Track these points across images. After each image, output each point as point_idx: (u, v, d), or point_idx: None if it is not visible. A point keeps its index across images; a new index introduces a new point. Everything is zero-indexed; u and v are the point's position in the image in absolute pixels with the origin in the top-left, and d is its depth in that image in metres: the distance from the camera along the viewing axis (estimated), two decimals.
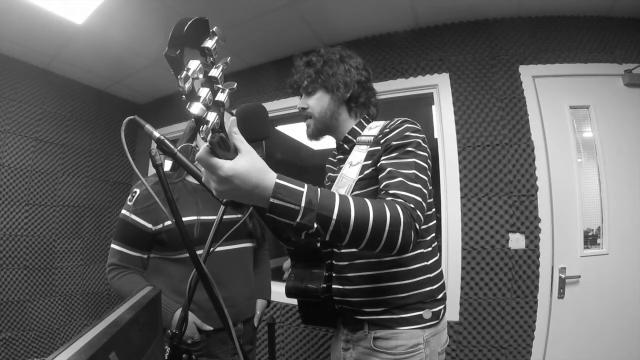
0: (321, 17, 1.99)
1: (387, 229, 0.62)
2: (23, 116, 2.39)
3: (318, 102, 0.98)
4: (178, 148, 0.74)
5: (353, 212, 0.60)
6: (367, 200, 0.64)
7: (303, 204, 0.56)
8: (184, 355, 0.78)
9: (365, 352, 0.89)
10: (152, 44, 2.19)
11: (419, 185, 0.74)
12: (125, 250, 1.07)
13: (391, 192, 0.73)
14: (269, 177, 0.54)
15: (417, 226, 0.69)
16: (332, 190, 0.96)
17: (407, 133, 0.83)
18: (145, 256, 1.11)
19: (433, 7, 1.90)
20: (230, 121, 0.52)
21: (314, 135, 1.04)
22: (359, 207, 0.61)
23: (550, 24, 1.89)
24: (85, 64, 2.49)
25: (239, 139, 0.52)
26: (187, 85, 0.40)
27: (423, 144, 0.83)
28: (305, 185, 0.58)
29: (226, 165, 0.50)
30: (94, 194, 2.78)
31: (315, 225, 0.57)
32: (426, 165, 0.81)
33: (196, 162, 0.54)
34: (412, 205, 0.69)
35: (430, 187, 0.83)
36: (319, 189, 0.59)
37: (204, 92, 0.42)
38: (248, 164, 0.52)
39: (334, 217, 0.59)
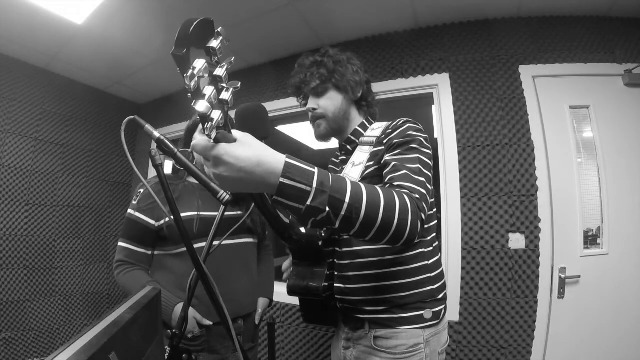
0: (321, 17, 1.99)
1: (397, 216, 0.60)
2: (23, 116, 2.39)
3: (331, 102, 0.97)
4: (179, 150, 0.74)
5: (365, 197, 0.57)
6: (377, 187, 0.62)
7: (315, 185, 0.52)
8: (184, 355, 0.78)
9: (366, 351, 0.89)
10: (152, 44, 2.19)
11: (423, 179, 0.74)
12: (131, 247, 1.11)
13: (396, 183, 0.73)
14: (274, 156, 0.51)
15: (423, 216, 0.67)
16: None
17: (410, 132, 0.84)
18: (150, 253, 1.14)
19: (433, 7, 1.90)
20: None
21: (327, 135, 1.01)
22: (370, 192, 0.59)
23: (550, 24, 1.89)
24: (85, 64, 2.49)
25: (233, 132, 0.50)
26: (192, 84, 0.41)
27: (426, 143, 0.84)
28: (316, 167, 0.55)
29: (220, 145, 0.47)
30: (94, 194, 2.78)
31: (327, 209, 0.54)
32: (429, 163, 0.81)
33: (195, 162, 0.54)
34: (417, 196, 0.68)
35: (432, 187, 0.83)
36: (329, 172, 0.57)
37: (209, 90, 0.43)
38: (242, 142, 0.49)
39: (347, 200, 0.55)
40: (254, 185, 0.51)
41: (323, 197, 0.53)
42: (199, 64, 0.41)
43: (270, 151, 0.52)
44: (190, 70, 0.40)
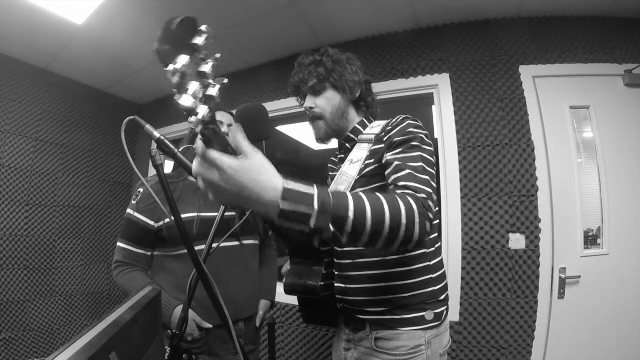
0: (321, 17, 1.99)
1: (404, 221, 0.59)
2: (23, 116, 2.39)
3: (328, 101, 0.96)
4: (181, 149, 0.74)
5: (369, 209, 0.57)
6: (379, 195, 0.61)
7: (316, 207, 0.52)
8: (184, 355, 0.78)
9: (367, 352, 0.89)
10: (152, 44, 2.18)
11: (427, 177, 0.74)
12: (129, 248, 1.10)
13: (400, 184, 0.72)
14: (278, 182, 0.50)
15: (430, 215, 0.66)
16: (330, 187, 0.97)
17: (410, 129, 0.83)
18: (149, 253, 1.13)
19: (433, 7, 1.90)
20: (233, 128, 0.50)
21: (327, 136, 1.00)
22: (373, 202, 0.58)
23: (550, 24, 1.89)
24: (85, 64, 2.49)
25: (241, 141, 0.49)
26: (175, 79, 0.41)
27: (426, 140, 0.83)
28: (315, 187, 0.54)
29: (234, 161, 0.46)
30: (94, 194, 2.78)
31: (332, 229, 0.53)
32: (432, 160, 0.80)
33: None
34: (423, 195, 0.67)
35: (435, 184, 0.82)
36: (329, 190, 0.56)
37: (193, 85, 0.43)
38: (258, 162, 0.49)
39: (350, 215, 0.55)
40: (255, 207, 0.50)
41: (325, 217, 0.53)
42: (182, 59, 0.42)
43: (278, 177, 0.50)
44: (172, 65, 0.41)
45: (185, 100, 0.42)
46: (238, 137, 0.49)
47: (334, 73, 0.94)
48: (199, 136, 0.47)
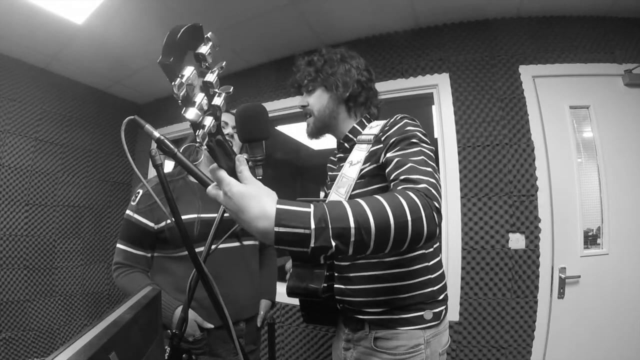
0: (321, 17, 1.99)
1: (410, 218, 0.56)
2: (23, 116, 2.39)
3: (317, 100, 1.00)
4: (182, 148, 0.74)
5: (370, 213, 0.53)
6: (377, 196, 0.58)
7: (313, 225, 0.49)
8: (184, 355, 0.78)
9: (366, 351, 0.89)
10: (152, 44, 2.19)
11: (429, 169, 0.72)
12: (129, 249, 1.10)
13: (402, 177, 0.71)
14: (271, 206, 0.49)
15: (437, 205, 0.62)
16: (331, 190, 0.97)
17: (408, 127, 0.83)
18: (149, 255, 1.13)
19: (433, 7, 1.90)
20: (239, 158, 0.52)
21: (313, 133, 1.05)
22: (373, 206, 0.55)
23: (550, 24, 1.89)
24: (85, 64, 2.49)
25: (244, 172, 0.51)
26: (181, 92, 0.41)
27: (424, 138, 0.83)
28: (311, 205, 0.52)
29: (234, 186, 0.48)
30: (94, 194, 2.78)
31: (334, 243, 0.50)
32: (432, 155, 0.80)
33: (197, 162, 0.54)
34: (424, 185, 0.66)
35: (439, 177, 0.82)
36: (324, 204, 0.53)
37: (199, 97, 0.42)
38: (253, 189, 0.49)
39: (352, 224, 0.51)
40: (253, 231, 0.50)
41: (326, 233, 0.50)
42: (187, 71, 0.41)
43: (262, 200, 0.50)
44: (178, 79, 0.40)
45: (192, 114, 0.41)
46: (242, 168, 0.51)
47: (322, 72, 0.98)
48: (205, 148, 0.47)
